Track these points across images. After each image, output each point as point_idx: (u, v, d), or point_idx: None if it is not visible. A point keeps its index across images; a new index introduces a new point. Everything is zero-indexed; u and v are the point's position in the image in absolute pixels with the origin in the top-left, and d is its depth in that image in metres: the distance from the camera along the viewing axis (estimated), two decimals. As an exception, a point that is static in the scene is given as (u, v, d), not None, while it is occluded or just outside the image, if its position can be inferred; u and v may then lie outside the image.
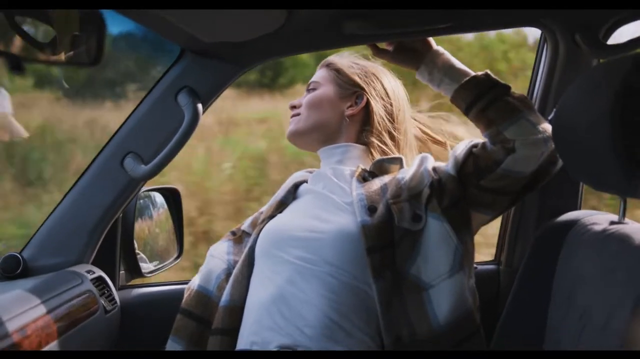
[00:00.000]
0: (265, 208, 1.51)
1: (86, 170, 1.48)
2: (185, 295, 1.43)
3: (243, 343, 1.27)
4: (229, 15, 1.12)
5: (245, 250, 1.39)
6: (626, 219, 1.20)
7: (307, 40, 1.39)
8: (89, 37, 0.91)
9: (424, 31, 1.30)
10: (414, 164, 1.35)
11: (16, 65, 0.83)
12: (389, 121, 1.45)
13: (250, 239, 1.40)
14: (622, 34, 1.39)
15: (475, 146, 1.29)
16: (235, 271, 1.37)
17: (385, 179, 1.35)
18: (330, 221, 1.29)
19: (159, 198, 1.76)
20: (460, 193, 1.27)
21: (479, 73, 1.29)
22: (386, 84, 1.48)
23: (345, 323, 1.21)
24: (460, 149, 1.31)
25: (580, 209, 1.50)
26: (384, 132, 1.44)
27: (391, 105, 1.47)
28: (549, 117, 1.28)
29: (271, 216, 1.40)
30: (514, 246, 1.60)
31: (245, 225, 1.53)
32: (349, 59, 1.50)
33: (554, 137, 1.22)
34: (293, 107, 1.50)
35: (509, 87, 1.27)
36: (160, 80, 1.44)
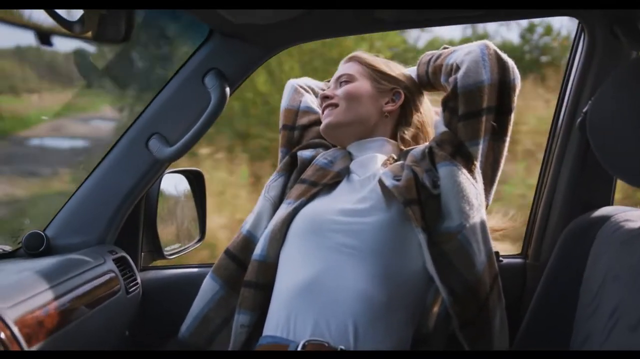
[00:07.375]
0: (321, 155, 1.48)
1: (111, 150, 1.48)
2: (235, 236, 1.44)
3: (272, 325, 1.25)
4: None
5: (286, 211, 1.36)
6: (662, 217, 1.16)
7: (335, 25, 1.38)
8: (118, 14, 0.90)
9: (454, 18, 1.29)
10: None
11: (45, 38, 0.82)
12: (422, 114, 1.52)
13: (292, 204, 1.37)
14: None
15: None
16: (272, 227, 1.36)
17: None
18: (371, 210, 1.28)
19: (182, 180, 1.75)
20: (457, 139, 1.33)
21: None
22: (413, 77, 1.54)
23: (378, 322, 1.20)
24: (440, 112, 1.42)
25: (612, 204, 1.46)
26: (417, 127, 1.51)
27: (420, 101, 1.53)
28: (584, 110, 1.25)
29: (325, 185, 1.38)
30: (542, 239, 1.58)
31: (304, 155, 1.49)
32: (374, 57, 1.53)
33: (589, 130, 1.18)
34: (326, 97, 1.48)
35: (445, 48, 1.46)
36: (188, 62, 1.43)
